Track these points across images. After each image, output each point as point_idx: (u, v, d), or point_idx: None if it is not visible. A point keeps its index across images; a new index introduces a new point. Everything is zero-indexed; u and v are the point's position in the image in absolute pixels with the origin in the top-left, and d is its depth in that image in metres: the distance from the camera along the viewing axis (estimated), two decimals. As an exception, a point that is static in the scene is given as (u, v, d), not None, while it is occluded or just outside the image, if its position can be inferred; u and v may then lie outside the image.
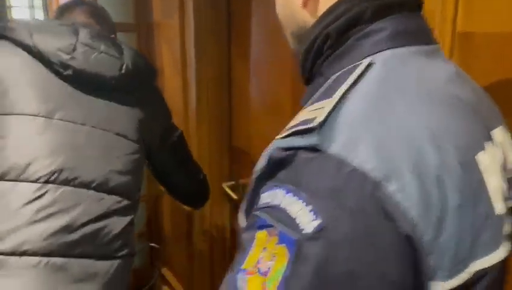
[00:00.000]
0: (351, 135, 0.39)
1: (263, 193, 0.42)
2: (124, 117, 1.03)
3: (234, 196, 1.59)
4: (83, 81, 0.98)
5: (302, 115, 0.44)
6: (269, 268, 0.38)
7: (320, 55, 0.50)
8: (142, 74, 1.07)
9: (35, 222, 0.87)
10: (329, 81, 0.47)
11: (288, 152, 0.41)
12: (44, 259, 0.86)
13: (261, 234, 0.40)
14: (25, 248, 0.85)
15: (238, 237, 0.48)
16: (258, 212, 0.42)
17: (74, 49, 0.96)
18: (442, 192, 0.39)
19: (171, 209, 1.98)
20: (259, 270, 0.39)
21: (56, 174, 0.91)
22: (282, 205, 0.39)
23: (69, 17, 1.10)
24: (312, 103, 0.45)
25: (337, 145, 0.39)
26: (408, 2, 0.49)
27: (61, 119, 0.95)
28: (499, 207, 0.44)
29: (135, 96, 1.06)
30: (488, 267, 0.42)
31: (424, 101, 0.43)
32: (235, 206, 1.68)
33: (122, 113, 1.03)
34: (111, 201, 0.96)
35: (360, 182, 0.37)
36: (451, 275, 0.39)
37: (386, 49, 0.46)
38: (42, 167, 0.90)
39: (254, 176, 0.45)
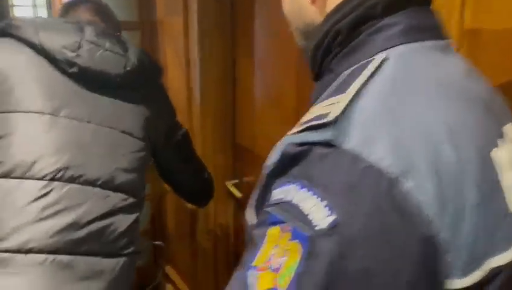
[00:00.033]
0: (367, 131, 0.39)
1: (275, 189, 0.42)
2: (129, 115, 1.03)
3: (238, 194, 1.59)
4: (88, 79, 0.98)
5: (316, 110, 0.43)
6: (281, 264, 0.38)
7: (330, 51, 0.50)
8: (147, 72, 1.07)
9: (41, 219, 0.87)
10: (342, 76, 0.46)
11: (301, 147, 0.40)
12: (51, 257, 0.86)
13: (273, 231, 0.40)
14: (30, 245, 0.85)
15: (246, 233, 0.48)
16: (270, 209, 0.41)
17: (79, 47, 0.96)
18: (460, 190, 0.39)
19: (175, 207, 1.98)
20: (270, 267, 0.39)
21: (62, 172, 0.91)
22: (294, 201, 0.39)
23: (74, 15, 1.11)
24: (324, 99, 0.45)
25: (353, 140, 0.38)
26: None
27: (67, 117, 0.95)
28: None
29: (140, 94, 1.06)
30: (503, 265, 0.42)
31: (440, 96, 0.43)
32: (239, 204, 1.67)
33: (128, 111, 1.03)
34: (117, 199, 0.95)
35: (375, 178, 0.37)
36: (466, 273, 0.39)
37: (399, 44, 0.45)
38: (48, 165, 0.90)
39: (265, 171, 0.45)
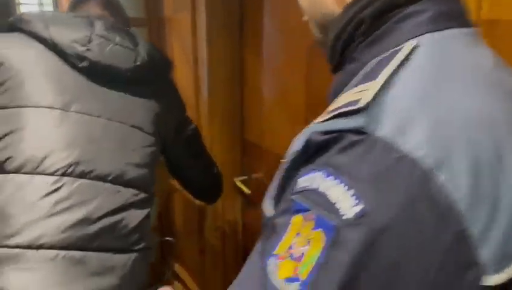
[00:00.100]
0: (401, 118, 0.37)
1: (300, 177, 0.41)
2: (139, 109, 1.02)
3: (247, 191, 1.59)
4: (98, 73, 0.97)
5: (344, 98, 0.42)
6: (303, 254, 0.37)
7: (352, 41, 0.49)
8: (157, 66, 1.07)
9: (53, 215, 0.86)
10: (370, 65, 0.45)
11: (329, 136, 0.39)
12: (62, 252, 0.86)
13: (296, 219, 0.39)
14: (42, 241, 0.85)
15: (263, 224, 0.47)
16: (294, 196, 0.40)
17: (90, 41, 0.96)
18: (496, 185, 0.37)
19: (183, 204, 1.98)
20: (291, 256, 0.38)
21: (72, 167, 0.90)
22: (321, 189, 0.38)
23: (83, 10, 1.10)
24: (352, 87, 0.44)
25: (386, 128, 0.37)
26: None
27: (77, 112, 0.94)
28: None
29: (150, 89, 1.05)
30: None
31: (477, 85, 0.41)
32: (247, 200, 1.67)
33: (138, 106, 1.02)
34: (128, 194, 0.95)
35: (409, 169, 0.35)
36: (497, 270, 0.38)
37: (428, 32, 0.44)
38: (59, 160, 0.89)
39: (286, 160, 0.44)
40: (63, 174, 0.89)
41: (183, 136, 1.16)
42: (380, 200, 0.35)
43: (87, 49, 0.95)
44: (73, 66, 0.96)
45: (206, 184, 1.29)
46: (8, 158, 0.88)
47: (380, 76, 0.40)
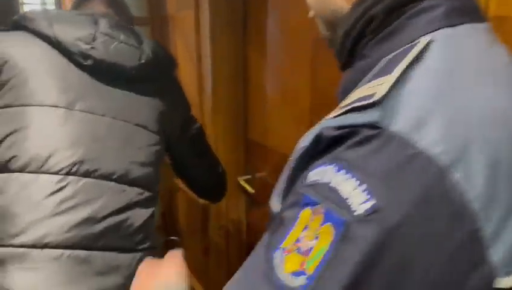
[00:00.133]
0: (417, 114, 0.36)
1: (310, 170, 0.40)
2: (144, 108, 1.02)
3: (250, 190, 1.58)
4: (102, 71, 0.97)
5: (357, 94, 0.41)
6: (311, 248, 0.36)
7: (362, 38, 0.48)
8: (161, 64, 1.06)
9: (57, 214, 0.86)
10: (383, 61, 0.44)
11: (341, 131, 0.38)
12: (67, 252, 0.85)
13: (305, 212, 0.38)
14: (46, 240, 0.84)
15: (270, 219, 0.46)
16: (303, 190, 0.40)
17: (94, 39, 0.95)
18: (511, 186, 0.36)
19: (187, 203, 1.98)
20: (298, 249, 0.37)
21: (77, 166, 0.90)
22: (332, 184, 0.37)
23: (87, 8, 1.09)
24: (365, 83, 0.43)
25: (401, 123, 0.36)
26: None
27: (82, 110, 0.93)
28: None
29: (155, 87, 1.05)
30: None
31: (492, 82, 0.40)
32: (251, 200, 1.66)
33: (143, 104, 1.02)
34: (133, 193, 0.94)
35: (424, 166, 0.35)
36: (508, 273, 0.37)
37: (442, 27, 0.43)
38: (63, 159, 0.89)
39: (294, 156, 0.43)
40: (68, 173, 0.89)
41: (188, 134, 1.15)
42: (393, 197, 0.35)
43: (92, 47, 0.94)
44: (78, 64, 0.96)
45: (211, 183, 1.28)
46: (12, 157, 0.88)
47: (395, 70, 0.39)
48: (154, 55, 1.02)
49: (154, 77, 1.05)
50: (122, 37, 0.98)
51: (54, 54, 0.95)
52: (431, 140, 0.35)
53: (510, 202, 0.36)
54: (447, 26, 0.43)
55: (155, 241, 1.00)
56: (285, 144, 1.34)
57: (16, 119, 0.90)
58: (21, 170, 0.88)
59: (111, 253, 0.90)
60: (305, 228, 0.38)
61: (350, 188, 0.36)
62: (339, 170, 0.37)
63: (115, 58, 0.96)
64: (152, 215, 0.98)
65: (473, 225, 0.35)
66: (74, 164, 0.89)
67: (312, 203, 0.38)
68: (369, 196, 0.35)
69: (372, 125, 0.37)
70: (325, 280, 0.35)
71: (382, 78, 0.40)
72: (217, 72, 1.57)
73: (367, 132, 0.37)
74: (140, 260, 0.94)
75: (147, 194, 0.97)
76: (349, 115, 0.39)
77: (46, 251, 0.84)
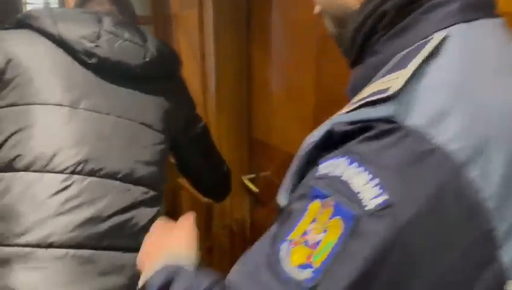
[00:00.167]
0: (435, 109, 0.36)
1: (321, 163, 0.39)
2: (149, 106, 1.01)
3: (254, 189, 1.57)
4: (107, 70, 0.96)
5: (370, 89, 0.41)
6: (319, 241, 0.36)
7: (373, 34, 0.47)
8: (166, 62, 1.05)
9: (62, 213, 0.85)
10: (397, 57, 0.43)
11: (354, 126, 0.37)
12: (71, 251, 0.85)
13: (314, 205, 0.38)
14: (51, 240, 0.84)
15: (278, 213, 0.46)
16: (313, 182, 0.39)
17: (98, 37, 0.94)
18: None
19: (191, 202, 1.97)
20: (306, 242, 0.37)
21: (82, 165, 0.89)
22: (344, 177, 0.36)
23: (90, 6, 1.09)
24: (378, 78, 0.42)
25: (418, 118, 0.35)
26: None
27: (86, 109, 0.93)
28: None
29: (160, 85, 1.04)
30: None
31: (510, 79, 0.40)
32: (255, 199, 1.66)
33: (147, 103, 1.01)
34: (138, 192, 0.94)
35: (440, 162, 0.34)
36: None
37: (457, 23, 0.42)
38: (68, 158, 0.88)
39: (304, 150, 0.42)
40: (73, 172, 0.88)
41: (193, 133, 1.15)
42: (406, 192, 0.34)
43: (96, 46, 0.94)
44: (82, 63, 0.95)
45: (215, 182, 1.27)
46: (17, 156, 0.87)
47: (409, 65, 0.38)
48: (158, 53, 1.01)
49: (158, 75, 1.04)
50: (126, 35, 0.98)
51: (59, 52, 0.95)
52: (449, 136, 0.35)
53: None
54: (462, 22, 0.42)
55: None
56: (290, 142, 1.33)
57: (20, 118, 0.90)
58: (26, 169, 0.87)
59: (116, 253, 0.89)
60: (314, 220, 0.37)
61: (362, 181, 0.35)
62: (351, 163, 0.36)
63: (120, 56, 0.96)
64: (157, 215, 0.98)
65: (487, 224, 0.34)
66: (79, 163, 0.89)
67: (322, 196, 0.37)
68: (381, 191, 0.34)
69: (387, 120, 0.36)
70: (332, 274, 0.35)
71: (396, 72, 0.39)
72: (220, 71, 1.56)
73: (382, 126, 0.36)
74: None
75: (151, 193, 0.96)
76: (362, 110, 0.39)
77: (51, 250, 0.84)
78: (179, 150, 1.14)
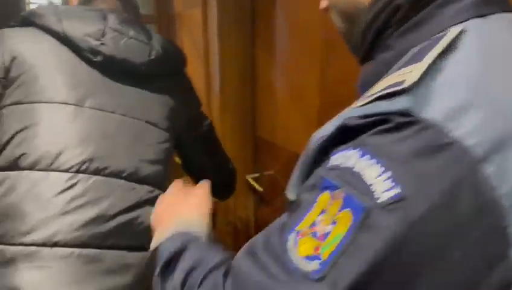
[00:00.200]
0: (453, 103, 0.35)
1: (333, 154, 0.39)
2: (154, 105, 1.00)
3: (259, 188, 1.57)
4: (112, 68, 0.96)
5: (385, 82, 0.40)
6: (328, 233, 0.35)
7: (386, 28, 0.47)
8: (171, 60, 1.05)
9: (67, 212, 0.85)
10: (411, 52, 0.43)
11: (367, 119, 0.37)
12: (77, 250, 0.84)
13: (323, 196, 0.37)
14: (57, 238, 0.83)
15: (287, 206, 0.45)
16: (323, 173, 0.38)
17: (103, 35, 0.94)
18: None
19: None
20: (314, 234, 0.36)
21: (87, 164, 0.89)
22: (356, 169, 0.36)
23: (95, 4, 1.08)
24: (392, 73, 0.42)
25: (435, 112, 0.35)
26: None
27: (92, 107, 0.93)
28: None
29: (165, 83, 1.04)
30: None
31: None
32: (259, 198, 1.65)
33: (152, 101, 1.00)
34: (143, 191, 0.93)
35: (457, 156, 0.33)
36: None
37: (472, 17, 0.42)
38: (73, 156, 0.88)
39: (314, 144, 0.42)
40: (78, 171, 0.88)
41: (198, 132, 1.14)
42: (420, 186, 0.33)
43: (101, 43, 0.93)
44: (87, 61, 0.95)
45: (220, 181, 1.27)
46: (22, 154, 0.87)
47: (425, 58, 0.38)
48: (163, 51, 1.01)
49: (163, 73, 1.04)
50: (131, 32, 0.97)
51: (63, 50, 0.94)
52: (466, 131, 0.34)
53: None
54: (477, 16, 0.42)
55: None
56: (294, 141, 1.32)
57: (25, 116, 0.89)
58: (31, 167, 0.87)
59: (120, 252, 0.89)
60: (323, 212, 0.37)
61: (374, 174, 0.35)
62: (363, 155, 0.36)
63: (125, 54, 0.95)
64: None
65: (502, 221, 0.34)
66: (84, 162, 0.88)
67: (332, 187, 0.37)
68: (393, 184, 0.34)
69: (403, 113, 0.35)
70: (340, 266, 0.34)
71: (411, 66, 0.39)
72: (225, 70, 1.55)
73: (398, 119, 0.35)
74: (150, 259, 0.93)
75: (157, 192, 0.96)
76: (376, 103, 0.38)
77: (56, 249, 0.84)
78: (183, 148, 1.13)
